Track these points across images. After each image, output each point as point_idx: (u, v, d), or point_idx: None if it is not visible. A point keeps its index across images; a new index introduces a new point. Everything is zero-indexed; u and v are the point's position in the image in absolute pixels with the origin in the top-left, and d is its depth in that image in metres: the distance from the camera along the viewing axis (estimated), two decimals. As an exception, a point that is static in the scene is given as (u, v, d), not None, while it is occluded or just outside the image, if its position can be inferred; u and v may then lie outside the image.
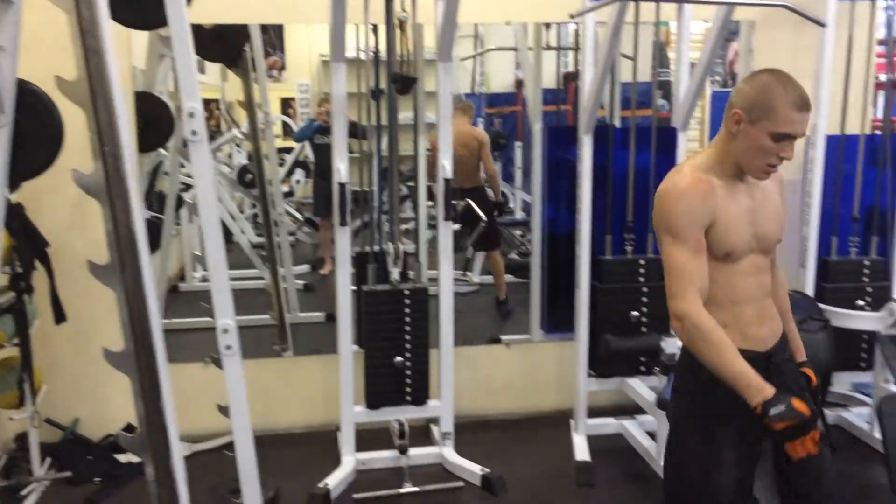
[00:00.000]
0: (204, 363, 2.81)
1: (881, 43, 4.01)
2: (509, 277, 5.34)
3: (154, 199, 6.35)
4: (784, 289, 2.15)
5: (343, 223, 3.24)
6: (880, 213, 3.77)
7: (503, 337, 4.38)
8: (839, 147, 3.68)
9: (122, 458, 3.60)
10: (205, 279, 6.67)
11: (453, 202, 3.37)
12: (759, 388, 1.76)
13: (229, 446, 2.80)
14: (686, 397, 2.00)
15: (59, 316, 3.22)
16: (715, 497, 1.92)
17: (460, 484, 3.37)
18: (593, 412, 3.87)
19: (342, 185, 3.20)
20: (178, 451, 2.30)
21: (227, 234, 6.13)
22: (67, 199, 3.48)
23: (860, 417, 3.82)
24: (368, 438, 3.62)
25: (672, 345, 3.16)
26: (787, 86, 1.82)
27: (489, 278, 5.74)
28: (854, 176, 3.72)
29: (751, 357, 1.86)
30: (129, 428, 3.81)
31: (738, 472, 1.93)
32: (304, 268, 6.23)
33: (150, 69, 3.95)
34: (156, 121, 3.98)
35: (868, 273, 3.71)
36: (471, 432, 3.86)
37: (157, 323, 2.18)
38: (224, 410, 2.76)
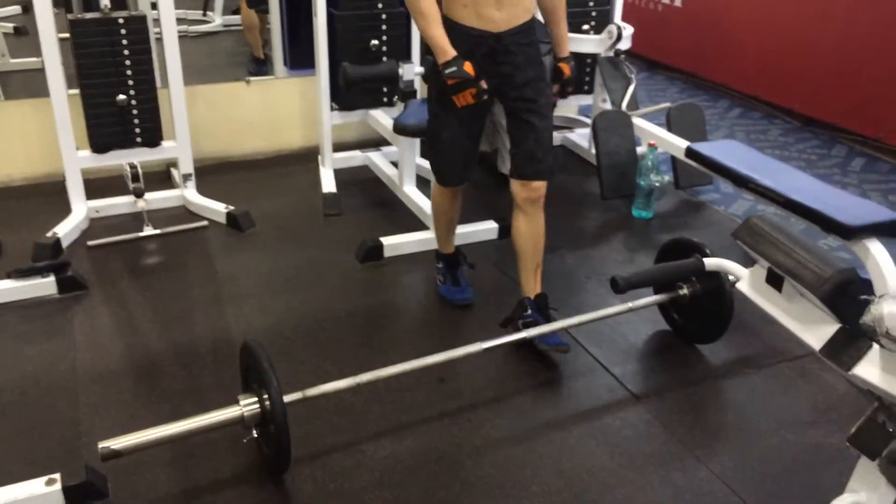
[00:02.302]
0: None
1: None
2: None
3: None
4: (562, 10, 2.52)
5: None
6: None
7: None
8: None
9: None
10: None
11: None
12: (444, 51, 2.21)
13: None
14: (432, 85, 2.44)
15: None
16: (446, 144, 2.46)
17: (205, 223, 3.30)
18: (341, 147, 3.89)
19: None
20: None
21: None
22: None
23: (583, 138, 4.16)
24: (105, 187, 3.40)
25: (409, 71, 3.14)
26: None
27: (235, 19, 5.33)
28: None
29: (480, 34, 2.26)
30: None
31: (462, 130, 2.42)
32: (14, 9, 5.44)
33: None
34: None
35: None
36: (215, 174, 3.76)
37: None
38: None
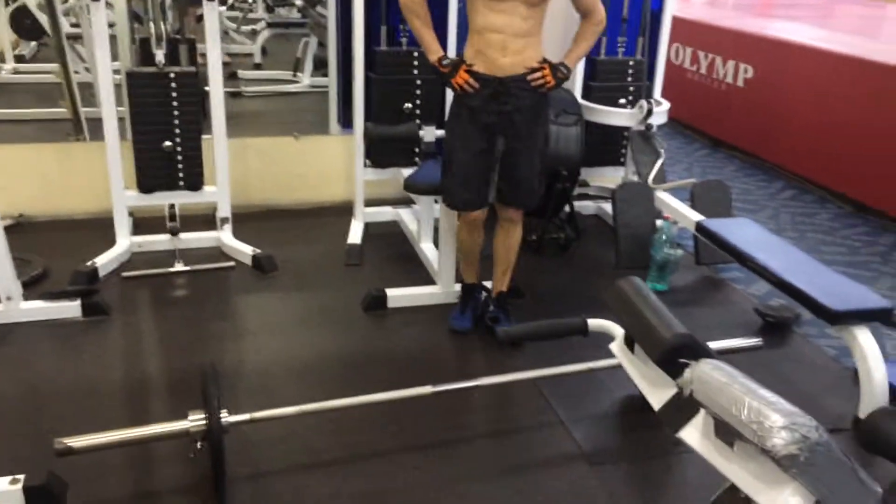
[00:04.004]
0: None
1: None
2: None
3: None
4: (591, 34, 2.78)
5: (95, -3, 3.10)
6: (651, 15, 3.95)
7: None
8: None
9: None
10: (16, 71, 6.34)
11: None
12: (435, 50, 2.71)
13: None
14: (451, 110, 2.82)
15: None
16: (454, 164, 2.80)
17: (232, 264, 3.53)
18: (378, 202, 4.07)
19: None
20: None
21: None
22: None
23: (617, 209, 4.18)
24: (152, 225, 3.70)
25: (430, 133, 3.30)
26: None
27: (323, 81, 5.70)
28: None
29: (486, 78, 2.65)
30: None
31: (469, 150, 2.76)
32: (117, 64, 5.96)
33: None
34: None
35: (631, 73, 3.93)
36: (257, 220, 4.00)
37: None
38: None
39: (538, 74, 2.66)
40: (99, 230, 3.76)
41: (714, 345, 2.76)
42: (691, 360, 1.26)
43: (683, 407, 1.23)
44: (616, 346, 1.62)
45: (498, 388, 2.56)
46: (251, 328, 3.05)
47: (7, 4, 6.11)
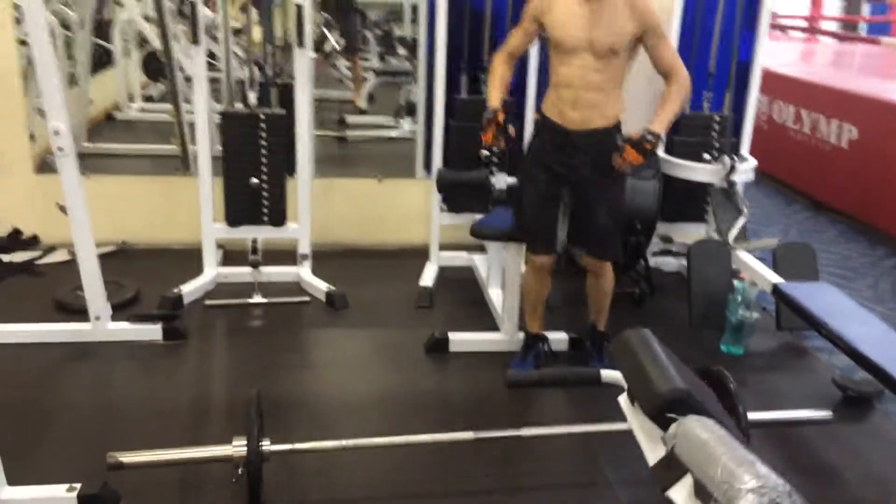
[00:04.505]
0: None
1: None
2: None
3: (103, 27, 6.45)
4: (676, 95, 2.74)
5: (195, 41, 3.33)
6: (739, 70, 3.87)
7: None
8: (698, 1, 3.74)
9: (5, 257, 3.87)
10: (143, 110, 6.86)
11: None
12: (490, 103, 2.79)
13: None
14: (525, 156, 2.98)
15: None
16: (525, 209, 2.90)
17: (307, 299, 3.65)
18: (452, 247, 4.12)
19: (192, 3, 3.27)
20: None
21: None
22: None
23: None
24: (242, 257, 3.88)
25: (501, 180, 3.33)
26: None
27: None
28: (712, 32, 3.79)
29: (555, 128, 2.74)
30: (15, 232, 4.07)
31: (536, 196, 2.85)
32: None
33: None
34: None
35: (717, 129, 3.85)
36: (338, 258, 4.13)
37: None
38: (63, 209, 2.98)
39: (619, 160, 2.66)
40: (192, 260, 3.97)
41: (779, 414, 2.64)
42: (683, 415, 1.22)
43: (673, 465, 1.19)
44: (623, 399, 1.59)
45: (546, 440, 2.52)
46: (316, 361, 3.15)
47: (140, 48, 6.66)
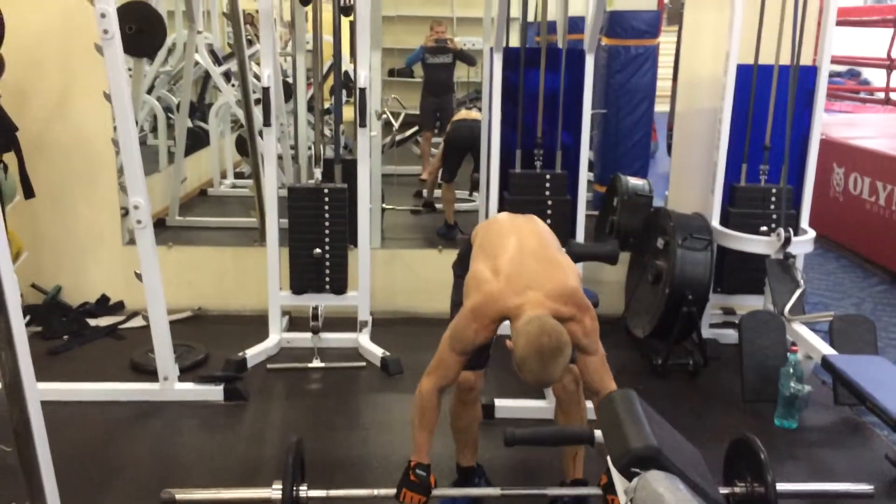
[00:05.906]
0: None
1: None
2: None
3: (204, 110, 7.03)
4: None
5: (267, 123, 3.63)
6: (798, 143, 3.87)
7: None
8: (752, 77, 3.79)
9: (92, 321, 4.20)
10: (233, 185, 7.34)
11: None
12: (420, 453, 2.36)
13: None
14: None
15: (28, 192, 3.76)
16: None
17: (363, 364, 3.80)
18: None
19: (266, 89, 3.58)
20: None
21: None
22: (52, 92, 4.02)
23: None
24: (307, 325, 4.07)
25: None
26: (540, 364, 2.14)
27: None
28: (768, 105, 3.83)
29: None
30: (103, 298, 4.42)
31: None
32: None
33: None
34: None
35: (774, 200, 3.84)
36: (398, 326, 4.28)
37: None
38: (139, 276, 3.26)
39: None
40: (261, 325, 4.21)
41: (816, 486, 2.58)
42: (646, 470, 1.26)
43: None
44: (610, 458, 1.62)
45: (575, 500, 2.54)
46: (364, 423, 3.27)
47: (233, 131, 7.19)
